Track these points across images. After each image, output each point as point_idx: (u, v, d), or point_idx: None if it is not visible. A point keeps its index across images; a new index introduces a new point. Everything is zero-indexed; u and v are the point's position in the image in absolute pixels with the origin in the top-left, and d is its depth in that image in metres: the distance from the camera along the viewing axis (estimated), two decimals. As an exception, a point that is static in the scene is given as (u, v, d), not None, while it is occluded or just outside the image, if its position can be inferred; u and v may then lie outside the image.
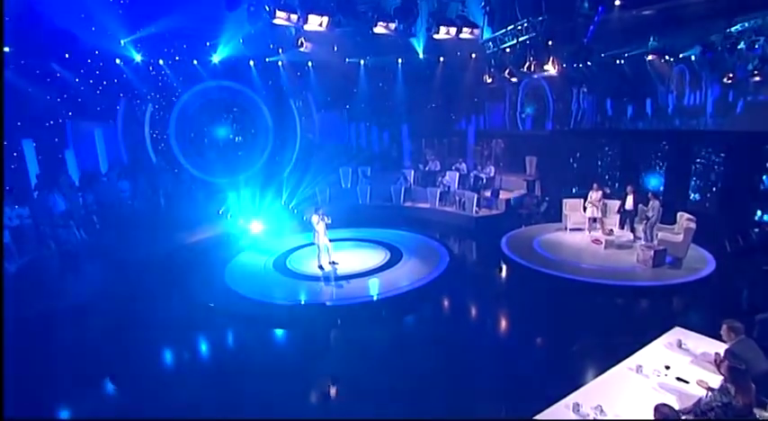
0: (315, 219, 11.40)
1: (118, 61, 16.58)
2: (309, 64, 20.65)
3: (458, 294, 10.80)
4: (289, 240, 14.18)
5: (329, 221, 12.06)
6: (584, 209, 13.59)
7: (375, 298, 10.18)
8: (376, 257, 12.46)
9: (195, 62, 18.33)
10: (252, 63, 19.55)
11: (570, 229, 14.13)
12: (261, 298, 10.22)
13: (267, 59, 19.53)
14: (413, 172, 18.35)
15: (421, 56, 19.94)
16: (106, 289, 10.68)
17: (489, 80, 15.45)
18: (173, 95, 18.99)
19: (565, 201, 14.48)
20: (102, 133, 17.58)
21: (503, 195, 16.24)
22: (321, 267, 11.69)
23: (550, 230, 14.35)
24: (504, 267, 12.41)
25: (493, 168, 17.28)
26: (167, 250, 13.69)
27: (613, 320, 9.31)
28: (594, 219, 13.33)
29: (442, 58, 21.10)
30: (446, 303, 10.49)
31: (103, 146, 17.33)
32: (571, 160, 16.92)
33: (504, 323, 9.77)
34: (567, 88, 29.07)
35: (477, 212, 15.53)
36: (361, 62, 21.16)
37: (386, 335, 9.10)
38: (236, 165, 20.61)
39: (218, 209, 16.79)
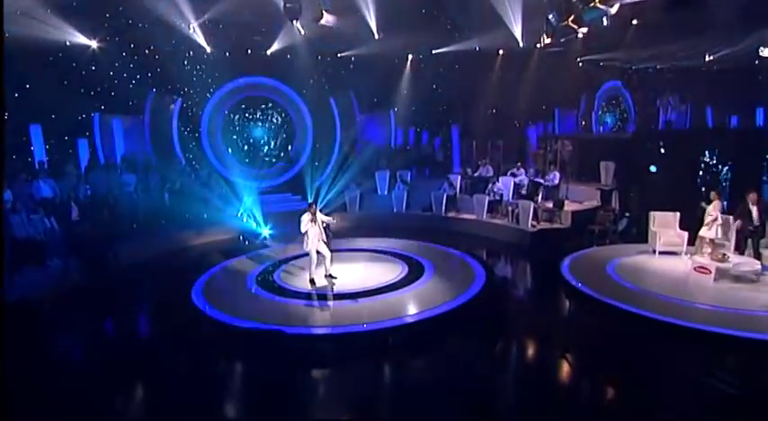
0: (304, 218, 8.57)
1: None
2: (352, 59, 18.19)
3: (490, 330, 7.41)
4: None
5: (333, 221, 9.15)
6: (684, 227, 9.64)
7: (364, 326, 7.06)
8: (388, 274, 9.34)
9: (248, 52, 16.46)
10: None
11: (660, 252, 10.20)
12: (217, 315, 7.44)
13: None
14: (459, 178, 15.07)
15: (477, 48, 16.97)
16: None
17: (548, 40, 12.17)
18: (208, 90, 17.21)
19: (653, 214, 10.59)
20: (130, 125, 16.06)
21: (568, 207, 12.53)
22: (312, 281, 8.77)
23: (631, 253, 10.48)
24: (562, 297, 8.85)
25: (558, 174, 13.61)
26: (149, 249, 11.46)
27: (729, 391, 5.55)
28: (711, 241, 9.28)
29: (501, 52, 17.90)
30: (472, 342, 7.13)
31: (122, 137, 15.71)
32: (659, 167, 12.91)
33: (556, 378, 6.24)
34: (650, 97, 24.80)
35: (533, 226, 11.95)
36: (409, 57, 18.40)
37: (369, 380, 5.95)
38: (269, 167, 18.52)
39: (236, 211, 14.51)
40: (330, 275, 8.91)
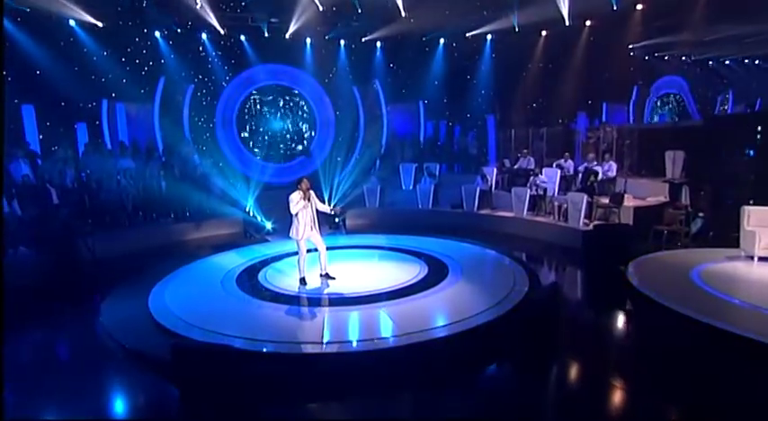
0: (295, 197, 6.68)
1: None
2: (377, 45, 16.36)
3: (538, 353, 5.24)
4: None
5: (329, 210, 7.22)
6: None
7: (354, 344, 5.04)
8: (403, 274, 7.30)
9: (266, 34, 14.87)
10: (309, 41, 15.76)
11: (760, 258, 7.75)
12: (174, 327, 5.57)
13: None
14: (495, 171, 12.87)
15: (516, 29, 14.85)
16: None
17: None
18: (224, 78, 15.75)
19: (746, 209, 8.14)
20: (139, 111, 14.73)
21: (628, 202, 10.15)
22: (303, 281, 6.84)
23: (718, 257, 8.05)
24: (631, 310, 6.58)
25: (614, 165, 11.22)
26: (135, 242, 9.85)
27: None
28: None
29: (544, 33, 15.66)
30: (514, 368, 5.00)
31: (129, 123, 14.34)
32: (742, 157, 10.38)
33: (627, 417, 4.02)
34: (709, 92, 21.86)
35: (586, 224, 9.66)
36: (441, 41, 16.40)
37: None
38: (287, 161, 16.82)
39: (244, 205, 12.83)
40: (327, 275, 6.96)
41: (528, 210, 10.96)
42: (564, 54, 15.81)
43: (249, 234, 11.28)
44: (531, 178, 11.38)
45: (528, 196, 10.89)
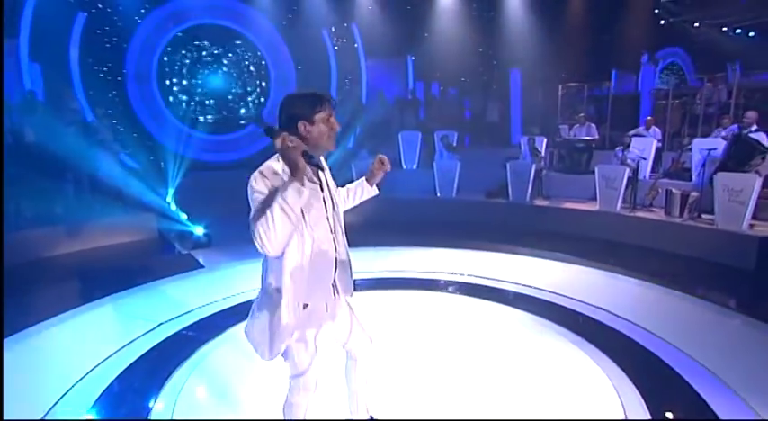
0: (267, 178, 1.71)
1: None
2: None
3: None
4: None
5: (387, 167, 2.12)
6: None
7: None
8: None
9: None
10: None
11: None
12: None
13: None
14: (544, 142, 8.58)
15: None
16: None
17: None
18: (137, 10, 10.32)
19: None
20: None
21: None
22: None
23: None
24: None
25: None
26: None
27: None
28: None
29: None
30: None
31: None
32: None
33: None
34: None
35: (750, 225, 5.60)
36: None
37: None
38: (232, 131, 11.70)
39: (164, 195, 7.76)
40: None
41: (622, 198, 6.76)
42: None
43: (170, 245, 6.37)
44: (619, 151, 7.15)
45: (625, 179, 6.65)
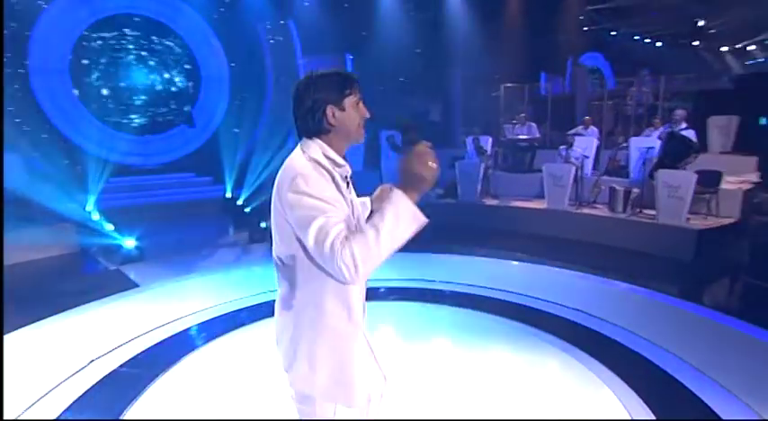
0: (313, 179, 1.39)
1: None
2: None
3: None
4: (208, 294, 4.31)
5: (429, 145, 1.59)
6: None
7: None
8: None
9: None
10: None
11: None
12: None
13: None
14: (490, 141, 8.62)
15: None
16: None
17: None
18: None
19: None
20: None
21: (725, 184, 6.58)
22: None
23: None
24: None
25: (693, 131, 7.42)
26: None
27: None
28: None
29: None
30: None
31: None
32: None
33: None
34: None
35: (687, 219, 5.89)
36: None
37: None
38: (158, 132, 10.72)
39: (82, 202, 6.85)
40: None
41: (569, 196, 6.90)
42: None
43: (94, 260, 5.60)
44: (563, 150, 7.32)
45: (572, 177, 6.79)
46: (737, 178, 7.03)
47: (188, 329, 3.67)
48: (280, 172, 1.41)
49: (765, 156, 7.46)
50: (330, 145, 1.44)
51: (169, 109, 10.78)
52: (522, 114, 8.98)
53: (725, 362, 3.15)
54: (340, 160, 1.45)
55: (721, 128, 8.31)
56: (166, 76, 10.71)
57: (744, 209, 6.36)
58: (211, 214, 7.91)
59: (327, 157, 1.42)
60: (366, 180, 8.23)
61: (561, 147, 7.39)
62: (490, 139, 8.53)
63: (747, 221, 6.29)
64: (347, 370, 1.45)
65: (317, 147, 1.42)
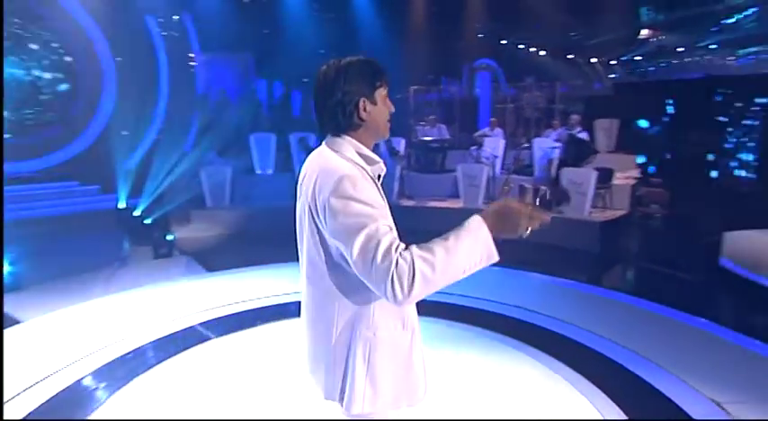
0: (358, 182, 1.21)
1: None
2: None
3: None
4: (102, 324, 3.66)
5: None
6: None
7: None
8: None
9: None
10: None
11: None
12: None
13: None
14: (403, 143, 8.65)
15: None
16: None
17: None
18: None
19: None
20: None
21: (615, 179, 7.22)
22: None
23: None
24: None
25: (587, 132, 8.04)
26: None
27: None
28: None
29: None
30: None
31: None
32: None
33: None
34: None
35: (590, 213, 6.37)
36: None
37: None
38: (29, 135, 9.18)
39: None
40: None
41: (483, 196, 7.12)
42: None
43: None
44: (474, 150, 7.55)
45: (485, 177, 7.01)
46: (624, 174, 7.83)
47: (80, 379, 3.03)
48: (309, 174, 1.25)
49: (643, 155, 8.42)
50: (360, 142, 1.30)
51: (39, 108, 9.32)
52: (432, 116, 9.17)
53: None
54: (375, 157, 1.31)
55: (606, 130, 9.21)
56: (32, 71, 9.24)
57: (631, 201, 7.09)
58: (101, 228, 6.92)
59: (362, 155, 1.26)
60: (279, 182, 7.82)
61: (472, 147, 7.63)
62: (403, 141, 8.57)
63: (634, 212, 7.01)
64: (410, 374, 1.34)
65: (349, 146, 1.28)
